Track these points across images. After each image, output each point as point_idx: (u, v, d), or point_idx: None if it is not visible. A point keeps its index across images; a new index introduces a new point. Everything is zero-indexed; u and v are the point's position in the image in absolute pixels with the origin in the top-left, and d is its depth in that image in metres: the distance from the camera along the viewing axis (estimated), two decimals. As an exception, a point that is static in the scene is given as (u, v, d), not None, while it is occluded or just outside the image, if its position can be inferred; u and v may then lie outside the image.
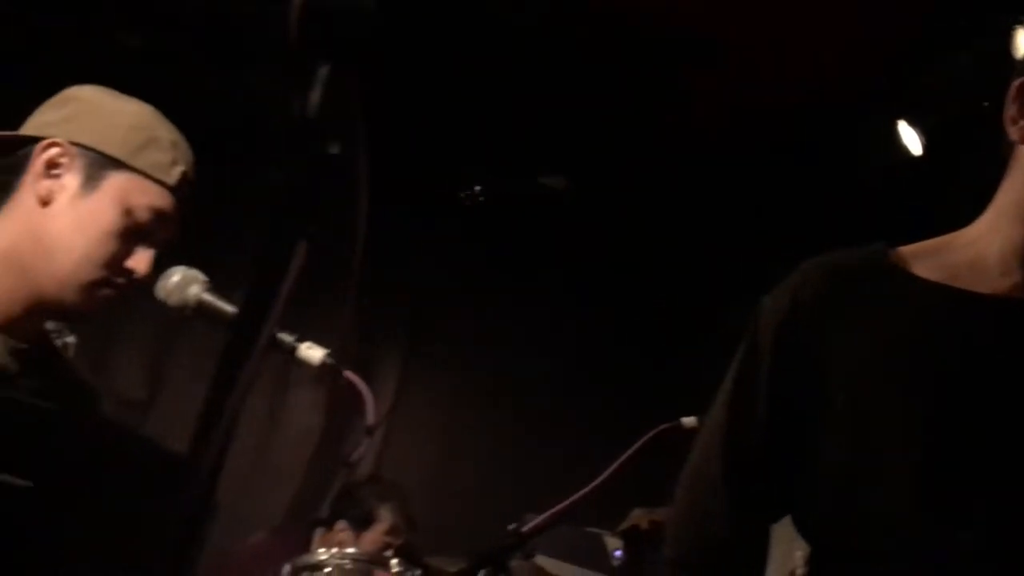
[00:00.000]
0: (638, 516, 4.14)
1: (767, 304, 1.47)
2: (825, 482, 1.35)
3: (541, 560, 3.41)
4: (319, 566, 2.70)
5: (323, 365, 1.48)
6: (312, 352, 1.50)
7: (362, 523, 3.37)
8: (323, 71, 0.71)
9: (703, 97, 4.01)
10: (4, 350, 1.40)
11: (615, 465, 2.57)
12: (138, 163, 1.49)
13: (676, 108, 4.07)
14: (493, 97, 4.37)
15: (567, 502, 2.64)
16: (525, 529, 2.51)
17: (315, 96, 0.73)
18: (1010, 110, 1.39)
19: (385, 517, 3.41)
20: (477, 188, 4.50)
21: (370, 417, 1.45)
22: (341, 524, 3.39)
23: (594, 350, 4.73)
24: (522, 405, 4.62)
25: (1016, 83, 1.38)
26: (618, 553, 4.03)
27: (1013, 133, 1.39)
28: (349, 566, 2.72)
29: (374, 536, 3.36)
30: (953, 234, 1.46)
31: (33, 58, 3.59)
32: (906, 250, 1.46)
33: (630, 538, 4.16)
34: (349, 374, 1.47)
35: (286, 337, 1.48)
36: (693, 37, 3.79)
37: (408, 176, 4.63)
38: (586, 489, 2.62)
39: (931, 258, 1.43)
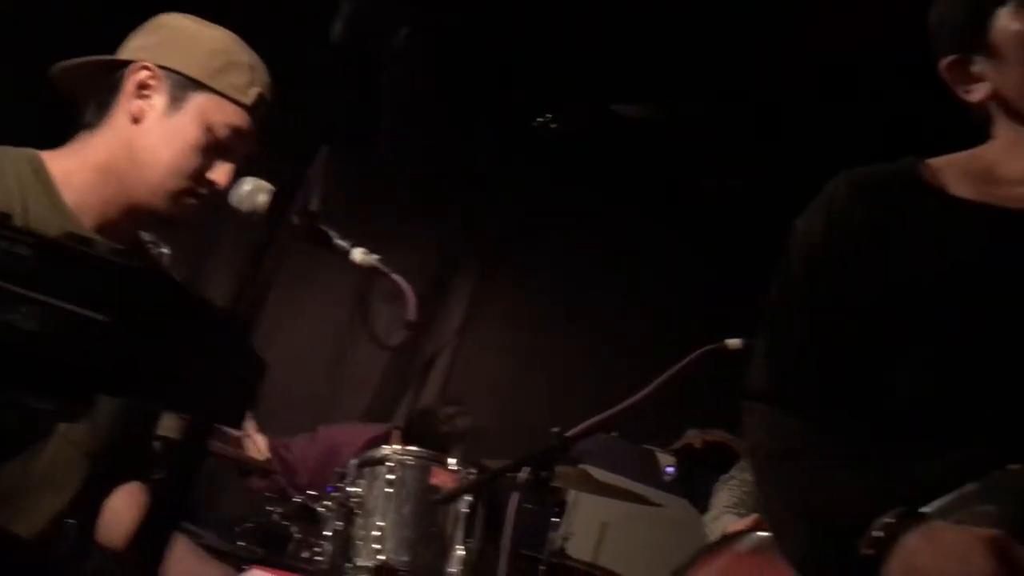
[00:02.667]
0: (692, 436, 4.32)
1: (800, 227, 1.56)
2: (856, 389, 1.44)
3: (590, 469, 3.61)
4: (383, 460, 2.93)
5: (372, 268, 1.65)
6: (364, 257, 1.68)
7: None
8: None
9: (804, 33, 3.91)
10: (105, 249, 1.61)
11: (658, 381, 2.71)
12: (217, 85, 1.66)
13: (771, 42, 4.01)
14: (571, 25, 4.43)
15: (608, 412, 2.80)
16: (569, 433, 2.70)
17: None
18: (957, 89, 1.49)
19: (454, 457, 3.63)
20: (548, 116, 4.61)
21: (411, 313, 1.63)
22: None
23: (660, 274, 4.86)
24: (587, 327, 4.79)
25: (942, 67, 1.49)
26: (670, 469, 4.23)
27: (974, 99, 1.49)
28: (410, 461, 2.95)
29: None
30: (975, 149, 1.54)
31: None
32: (936, 163, 1.53)
33: (683, 456, 4.35)
34: (395, 276, 1.65)
35: (341, 241, 1.67)
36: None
37: (487, 105, 4.78)
38: (627, 401, 2.77)
39: (959, 172, 1.51)
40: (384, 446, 3.11)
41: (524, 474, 2.54)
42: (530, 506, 2.49)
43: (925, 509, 1.35)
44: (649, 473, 4.21)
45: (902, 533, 1.29)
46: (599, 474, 3.55)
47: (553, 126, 4.86)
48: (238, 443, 3.70)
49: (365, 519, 2.84)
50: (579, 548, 3.86)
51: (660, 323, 4.74)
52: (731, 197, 4.75)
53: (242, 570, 2.65)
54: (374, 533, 2.80)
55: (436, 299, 4.90)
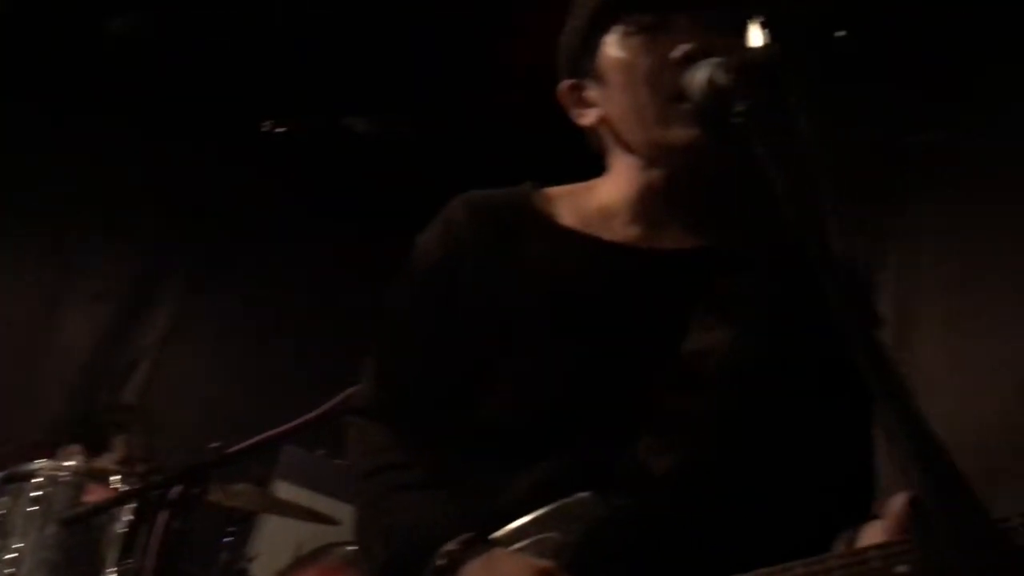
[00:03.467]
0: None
1: (419, 244, 1.56)
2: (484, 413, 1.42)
3: (282, 487, 3.49)
4: (30, 475, 2.71)
5: None
6: None
7: (95, 449, 3.38)
8: None
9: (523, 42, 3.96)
10: None
11: (335, 400, 2.64)
12: None
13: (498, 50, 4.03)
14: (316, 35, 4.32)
15: (277, 431, 2.70)
16: (231, 450, 2.58)
17: None
18: (572, 112, 1.53)
19: (119, 447, 3.43)
20: (272, 121, 4.48)
21: None
22: (76, 447, 3.39)
23: (369, 287, 4.75)
24: (293, 339, 4.66)
25: (559, 91, 1.52)
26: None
27: (585, 123, 1.53)
28: (63, 477, 2.74)
29: (104, 464, 3.38)
30: (591, 181, 1.57)
31: None
32: (551, 192, 1.56)
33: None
34: None
35: None
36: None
37: (211, 106, 4.57)
38: (304, 418, 2.69)
39: (570, 202, 1.54)
40: (38, 460, 2.87)
41: (176, 492, 2.41)
42: (178, 526, 2.35)
43: (497, 534, 1.34)
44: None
45: (465, 561, 1.27)
46: (289, 492, 3.44)
47: (279, 132, 4.72)
48: None
49: (3, 540, 2.60)
50: (267, 569, 3.71)
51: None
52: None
53: None
54: (7, 556, 2.56)
55: (140, 307, 4.63)
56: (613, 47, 1.45)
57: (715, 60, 1.22)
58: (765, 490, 1.37)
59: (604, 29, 1.46)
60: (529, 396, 1.40)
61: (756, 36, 1.36)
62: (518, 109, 4.17)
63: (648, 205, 1.49)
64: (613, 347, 1.41)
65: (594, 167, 1.61)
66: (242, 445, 2.59)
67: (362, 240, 4.81)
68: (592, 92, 1.51)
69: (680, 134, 1.37)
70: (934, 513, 0.80)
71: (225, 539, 3.02)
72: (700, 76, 1.24)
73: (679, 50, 1.34)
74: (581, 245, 1.48)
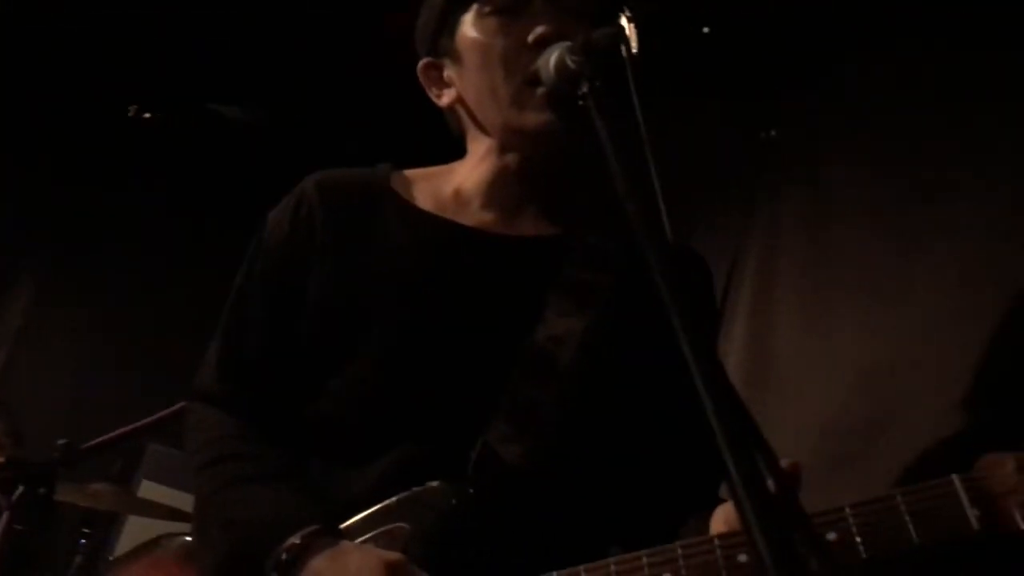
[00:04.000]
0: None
1: (270, 221, 1.50)
2: (329, 398, 1.38)
3: (147, 486, 3.36)
4: None
5: None
6: None
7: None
8: None
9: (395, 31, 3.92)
10: None
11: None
12: None
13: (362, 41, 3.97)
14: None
15: (132, 426, 2.61)
16: (84, 447, 2.47)
17: None
18: (430, 91, 1.51)
19: None
20: (136, 106, 4.30)
21: None
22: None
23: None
24: (154, 333, 4.47)
25: (418, 69, 1.51)
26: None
27: (443, 103, 1.51)
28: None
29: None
30: (450, 164, 1.55)
31: None
32: (409, 174, 1.54)
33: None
34: None
35: None
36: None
37: (79, 91, 4.36)
38: (159, 414, 2.61)
39: (426, 185, 1.52)
40: None
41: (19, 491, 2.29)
42: (20, 527, 2.23)
43: (344, 524, 1.31)
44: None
45: (310, 554, 1.23)
46: (154, 491, 3.31)
47: (146, 117, 4.54)
48: None
49: None
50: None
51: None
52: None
53: None
54: None
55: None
56: (470, 27, 1.44)
57: (565, 43, 1.21)
58: (614, 477, 1.38)
59: (462, 8, 1.45)
60: (379, 381, 1.37)
61: (610, 21, 1.36)
62: (383, 98, 4.15)
63: (503, 190, 1.48)
64: (465, 333, 1.39)
65: (455, 154, 1.60)
66: (94, 442, 2.49)
67: (224, 229, 4.65)
68: (449, 72, 1.49)
69: (533, 118, 1.37)
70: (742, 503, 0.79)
71: (81, 541, 2.88)
72: (551, 59, 1.23)
73: (533, 33, 1.34)
74: (435, 228, 1.46)
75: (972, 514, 1.18)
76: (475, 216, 1.48)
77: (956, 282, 2.20)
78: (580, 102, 1.08)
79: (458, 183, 1.52)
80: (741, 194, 2.80)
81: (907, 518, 1.19)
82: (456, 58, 1.47)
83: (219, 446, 1.40)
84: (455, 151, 1.56)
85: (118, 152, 4.53)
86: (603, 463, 1.37)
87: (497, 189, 1.48)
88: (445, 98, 1.51)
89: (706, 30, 2.69)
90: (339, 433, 1.38)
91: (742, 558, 1.20)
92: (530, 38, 1.34)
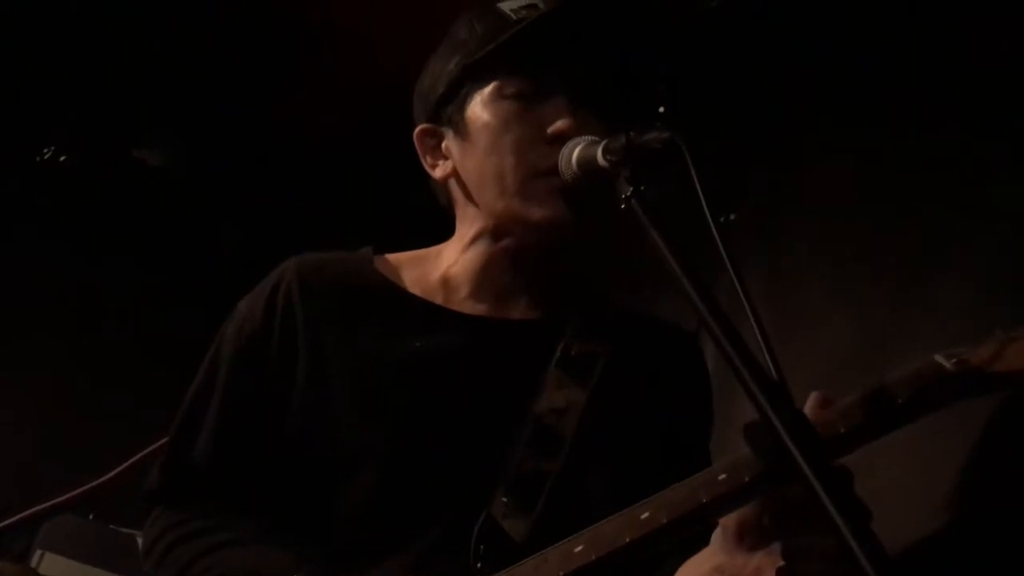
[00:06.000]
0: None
1: (242, 309, 1.44)
2: (300, 484, 1.33)
3: (47, 559, 3.13)
4: None
5: None
6: None
7: None
8: None
9: (315, 80, 3.88)
10: None
11: (111, 474, 2.50)
12: None
13: (286, 91, 3.93)
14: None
15: (47, 504, 2.49)
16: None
17: None
18: (425, 159, 1.48)
19: None
20: (52, 149, 4.09)
21: None
22: None
23: (162, 334, 4.34)
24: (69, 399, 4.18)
25: (415, 133, 1.47)
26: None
27: (436, 174, 1.47)
28: None
29: None
30: (433, 248, 1.52)
31: None
32: (392, 258, 1.50)
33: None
34: None
35: None
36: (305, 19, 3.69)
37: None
38: (69, 495, 2.51)
39: (413, 270, 1.47)
40: None
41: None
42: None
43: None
44: (129, 560, 3.75)
45: None
46: (55, 565, 3.08)
47: (62, 161, 4.32)
48: None
49: None
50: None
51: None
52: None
53: None
54: None
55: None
56: (483, 106, 1.39)
57: (593, 139, 1.19)
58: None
59: (479, 83, 1.40)
60: (380, 470, 1.32)
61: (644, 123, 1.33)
62: (301, 153, 4.12)
63: (494, 277, 1.44)
64: (464, 413, 1.35)
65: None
66: (7, 522, 2.32)
67: (148, 282, 4.44)
68: (450, 143, 1.44)
69: (539, 211, 1.35)
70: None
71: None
72: (574, 153, 1.21)
73: (554, 127, 1.32)
74: (426, 314, 1.42)
75: (948, 364, 1.12)
76: (465, 303, 1.44)
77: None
78: (622, 205, 1.06)
79: (446, 268, 1.47)
80: (705, 264, 2.77)
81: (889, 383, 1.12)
82: (461, 132, 1.41)
83: (181, 528, 1.33)
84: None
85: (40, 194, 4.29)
86: None
87: (488, 275, 1.44)
88: (439, 170, 1.45)
89: (662, 109, 2.68)
90: (341, 523, 1.31)
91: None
92: (549, 130, 1.31)
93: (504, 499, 1.29)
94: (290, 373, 1.36)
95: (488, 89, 1.38)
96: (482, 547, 1.26)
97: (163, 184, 4.38)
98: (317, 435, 1.34)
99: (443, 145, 1.45)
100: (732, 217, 2.68)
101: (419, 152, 1.48)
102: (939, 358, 1.13)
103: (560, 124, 1.30)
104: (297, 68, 3.86)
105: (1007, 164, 2.22)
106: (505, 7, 1.41)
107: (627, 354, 1.42)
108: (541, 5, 1.40)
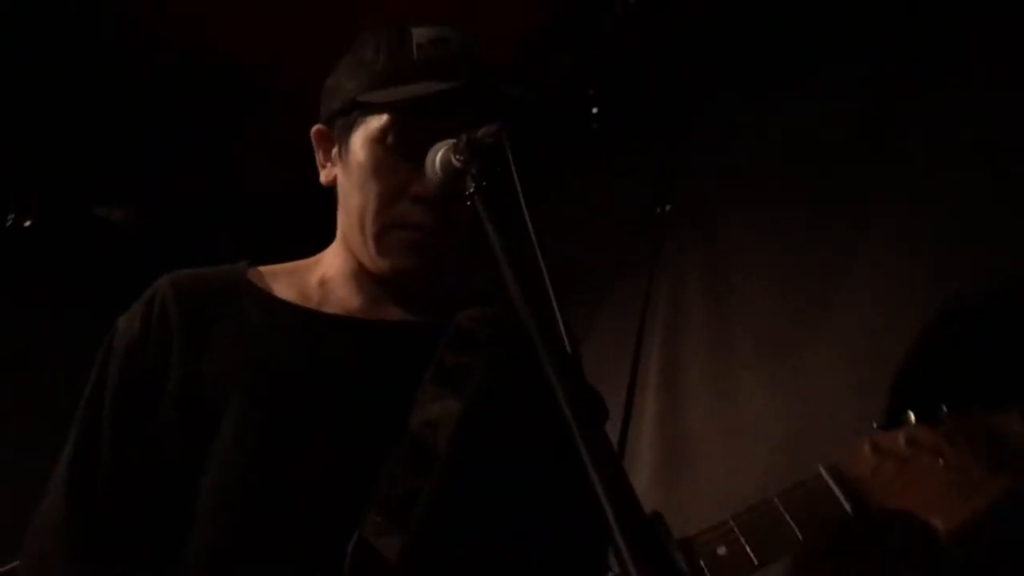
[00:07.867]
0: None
1: (120, 326, 1.43)
2: (179, 505, 1.31)
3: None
4: None
5: None
6: None
7: None
8: None
9: (252, 136, 3.93)
10: None
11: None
12: None
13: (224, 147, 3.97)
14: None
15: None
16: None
17: None
18: (318, 155, 1.51)
19: None
20: (14, 214, 4.12)
21: None
22: None
23: None
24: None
25: (313, 130, 1.50)
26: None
27: (323, 176, 1.50)
28: None
29: None
30: (312, 257, 1.54)
31: None
32: (266, 269, 1.51)
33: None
34: None
35: None
36: (244, 78, 3.73)
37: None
38: None
39: (288, 278, 1.49)
40: None
41: None
42: None
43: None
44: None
45: None
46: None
47: (23, 223, 4.35)
48: None
49: None
50: None
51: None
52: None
53: None
54: None
55: None
56: (363, 144, 1.42)
57: (448, 142, 1.21)
58: (498, 561, 1.35)
59: (366, 114, 1.42)
60: (245, 476, 1.31)
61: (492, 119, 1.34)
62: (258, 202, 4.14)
63: (366, 281, 1.47)
64: (333, 421, 1.34)
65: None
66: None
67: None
68: (336, 155, 1.48)
69: (388, 263, 1.40)
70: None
71: None
72: (436, 158, 1.23)
73: (412, 192, 1.36)
74: (297, 317, 1.42)
75: (846, 502, 1.26)
76: (340, 304, 1.45)
77: (861, 352, 2.22)
78: (467, 202, 1.08)
79: (323, 272, 1.49)
80: (641, 269, 2.80)
81: (787, 518, 1.26)
82: (343, 154, 1.45)
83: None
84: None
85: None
86: (485, 549, 1.34)
87: (361, 279, 1.47)
88: (325, 174, 1.49)
89: (595, 110, 2.72)
90: (207, 533, 1.30)
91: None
92: (411, 192, 1.36)
93: (377, 518, 1.27)
94: (165, 381, 1.36)
95: (372, 127, 1.40)
96: (355, 568, 1.25)
97: (124, 240, 4.41)
98: (188, 444, 1.33)
99: (332, 152, 1.49)
100: (668, 208, 2.71)
101: (315, 147, 1.51)
102: (825, 475, 1.23)
103: (421, 191, 1.35)
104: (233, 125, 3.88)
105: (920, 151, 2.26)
106: (414, 36, 1.40)
107: (503, 362, 1.40)
108: (452, 38, 1.40)
